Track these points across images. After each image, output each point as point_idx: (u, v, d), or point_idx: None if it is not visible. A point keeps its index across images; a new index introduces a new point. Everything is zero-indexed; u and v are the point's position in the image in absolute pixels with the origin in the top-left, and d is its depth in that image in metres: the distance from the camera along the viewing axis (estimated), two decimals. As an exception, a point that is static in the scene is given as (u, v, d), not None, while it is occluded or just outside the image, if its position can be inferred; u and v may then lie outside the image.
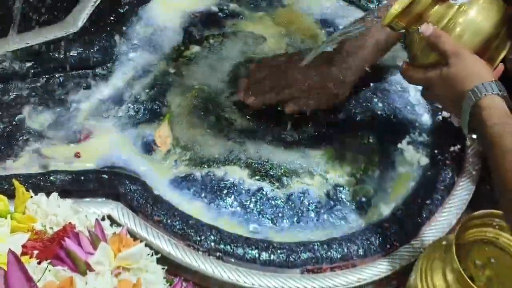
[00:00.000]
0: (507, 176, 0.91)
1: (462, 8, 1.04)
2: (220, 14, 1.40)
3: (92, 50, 1.29)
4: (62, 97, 1.25)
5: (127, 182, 1.12)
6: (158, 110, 1.25)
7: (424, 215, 1.14)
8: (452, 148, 1.21)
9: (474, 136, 1.03)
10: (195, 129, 1.23)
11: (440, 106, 1.24)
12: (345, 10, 1.44)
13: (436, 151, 1.22)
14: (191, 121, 1.24)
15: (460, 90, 1.00)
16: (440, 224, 1.14)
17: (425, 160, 1.22)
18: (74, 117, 1.22)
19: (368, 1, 1.44)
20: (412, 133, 1.26)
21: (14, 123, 1.20)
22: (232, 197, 1.16)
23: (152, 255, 0.90)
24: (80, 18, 1.32)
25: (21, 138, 1.18)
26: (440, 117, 1.26)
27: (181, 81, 1.30)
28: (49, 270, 0.84)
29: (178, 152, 1.20)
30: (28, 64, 1.25)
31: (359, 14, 1.36)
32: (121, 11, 1.36)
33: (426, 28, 1.04)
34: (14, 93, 1.24)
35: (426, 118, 1.28)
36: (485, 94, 0.98)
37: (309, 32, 1.40)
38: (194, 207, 1.14)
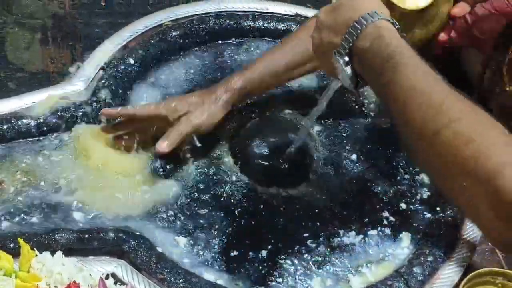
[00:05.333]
0: (414, 117, 0.87)
1: None
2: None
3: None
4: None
5: (131, 240, 1.12)
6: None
7: (428, 273, 1.14)
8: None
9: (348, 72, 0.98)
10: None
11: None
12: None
13: (437, 208, 1.22)
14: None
15: (354, 13, 0.95)
16: (443, 282, 1.13)
17: (427, 217, 1.22)
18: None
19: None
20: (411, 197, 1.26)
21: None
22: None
23: (156, 313, 0.91)
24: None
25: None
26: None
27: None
28: (53, 330, 0.85)
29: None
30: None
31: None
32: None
33: None
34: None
35: (425, 179, 1.27)
36: (385, 19, 0.95)
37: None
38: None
